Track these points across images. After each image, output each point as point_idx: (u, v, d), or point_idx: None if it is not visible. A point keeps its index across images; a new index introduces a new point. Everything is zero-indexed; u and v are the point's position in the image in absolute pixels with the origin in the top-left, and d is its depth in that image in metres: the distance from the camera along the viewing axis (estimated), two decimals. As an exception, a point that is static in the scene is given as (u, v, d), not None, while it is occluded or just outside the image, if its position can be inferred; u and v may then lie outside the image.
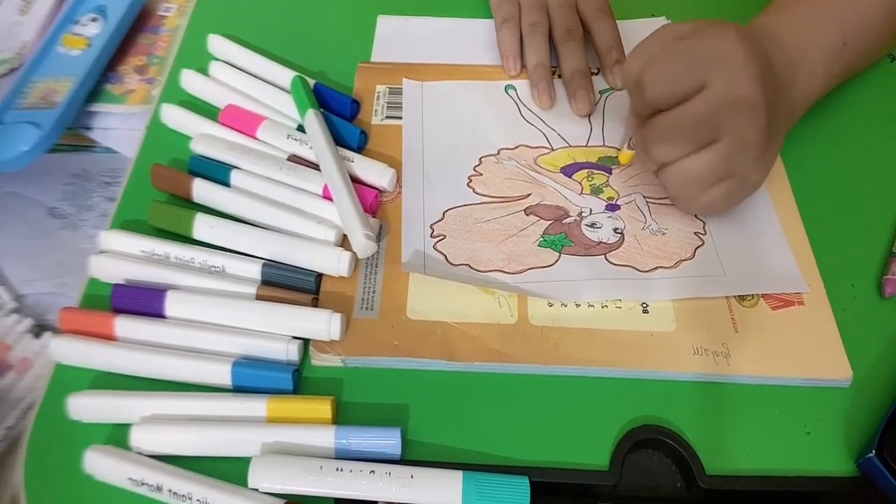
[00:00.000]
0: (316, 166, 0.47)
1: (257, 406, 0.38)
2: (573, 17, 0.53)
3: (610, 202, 0.46)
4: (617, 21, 0.54)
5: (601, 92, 0.52)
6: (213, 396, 0.38)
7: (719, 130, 0.39)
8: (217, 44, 0.54)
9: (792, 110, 0.44)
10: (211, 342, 0.40)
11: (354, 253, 0.42)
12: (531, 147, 0.49)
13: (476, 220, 0.45)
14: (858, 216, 0.46)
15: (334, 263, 0.42)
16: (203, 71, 0.53)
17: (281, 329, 0.40)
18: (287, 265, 0.43)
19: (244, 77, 0.52)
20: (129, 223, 0.46)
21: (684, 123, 0.39)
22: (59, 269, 0.55)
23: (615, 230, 0.45)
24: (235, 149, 0.48)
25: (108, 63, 0.60)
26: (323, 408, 0.37)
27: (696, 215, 0.46)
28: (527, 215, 0.46)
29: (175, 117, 0.50)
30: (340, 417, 0.38)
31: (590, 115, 0.51)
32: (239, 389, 0.39)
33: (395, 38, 0.56)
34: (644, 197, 0.47)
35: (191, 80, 0.52)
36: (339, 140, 0.48)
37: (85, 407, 0.38)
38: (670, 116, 0.40)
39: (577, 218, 0.46)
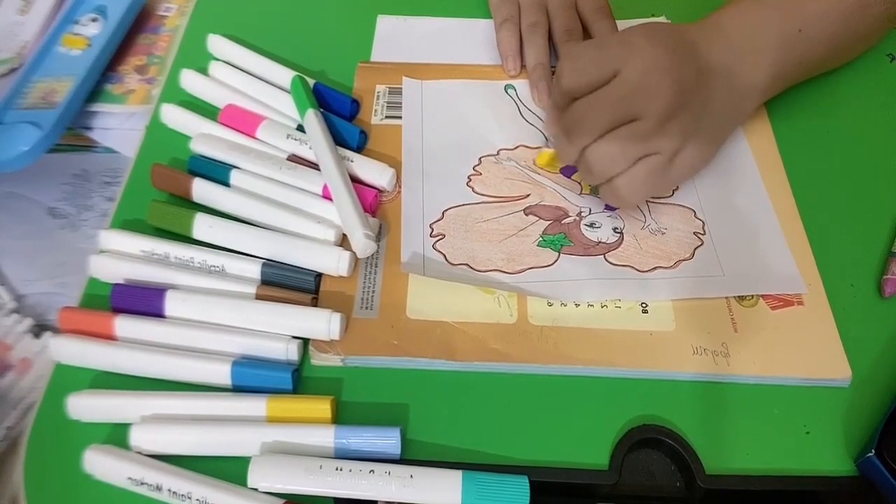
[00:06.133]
0: (316, 166, 0.47)
1: (257, 406, 0.38)
2: (573, 18, 0.53)
3: (609, 202, 0.46)
4: (617, 21, 0.54)
5: (601, 92, 0.52)
6: (212, 396, 0.38)
7: (633, 113, 0.40)
8: (217, 44, 0.54)
9: (742, 98, 0.45)
10: (210, 342, 0.40)
11: (354, 252, 0.43)
12: (531, 147, 0.49)
13: (475, 219, 0.45)
14: (858, 216, 0.46)
15: (334, 263, 0.42)
16: (203, 71, 0.53)
17: (280, 329, 0.40)
18: (287, 265, 0.43)
19: (244, 77, 0.52)
20: (129, 223, 0.46)
21: (598, 105, 0.41)
22: (59, 269, 0.55)
23: (615, 230, 0.45)
24: (235, 148, 0.48)
25: (108, 63, 0.60)
26: (322, 407, 0.37)
27: (695, 214, 0.46)
28: (526, 215, 0.46)
29: (175, 117, 0.50)
30: (340, 417, 0.38)
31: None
32: (238, 389, 0.39)
33: (395, 38, 0.56)
34: (644, 197, 0.47)
35: (191, 80, 0.52)
36: (338, 140, 0.48)
37: (84, 406, 0.38)
38: (586, 100, 0.41)
39: (577, 218, 0.46)
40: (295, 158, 0.48)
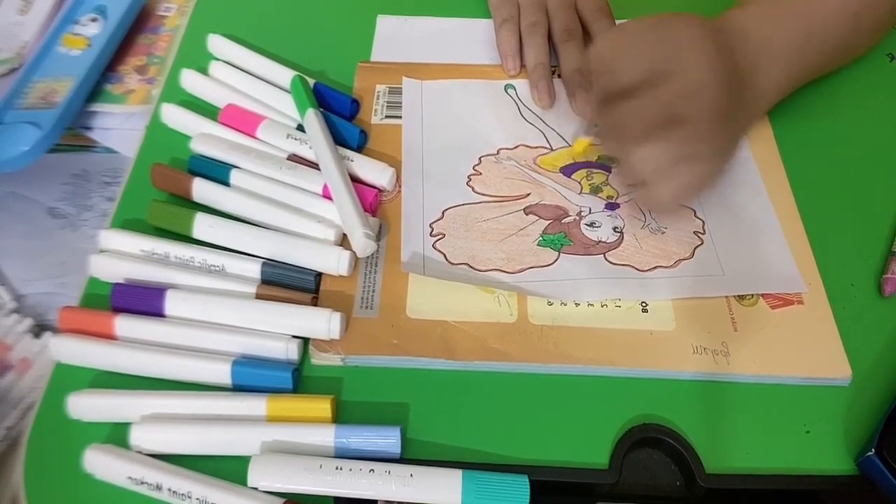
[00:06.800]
0: (316, 166, 0.47)
1: (257, 405, 0.38)
2: (572, 17, 0.53)
3: (609, 201, 0.46)
4: (616, 21, 0.54)
5: (601, 91, 0.52)
6: (212, 395, 0.38)
7: (681, 116, 0.39)
8: (217, 44, 0.54)
9: (756, 102, 0.45)
10: (211, 341, 0.40)
11: (354, 252, 0.43)
12: (531, 147, 0.49)
13: (475, 219, 0.45)
14: (858, 215, 0.46)
15: (334, 262, 0.42)
16: (203, 71, 0.53)
17: (281, 328, 0.40)
18: (287, 264, 0.43)
19: (244, 77, 0.52)
20: (129, 223, 0.46)
21: (650, 106, 0.40)
22: (59, 269, 0.55)
23: (615, 229, 0.45)
24: (235, 148, 0.48)
25: (108, 63, 0.60)
26: (323, 406, 0.37)
27: (695, 214, 0.46)
28: (526, 214, 0.46)
29: (175, 117, 0.50)
30: (340, 416, 0.38)
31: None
32: (239, 388, 0.39)
33: (395, 37, 0.56)
34: (643, 196, 0.47)
35: (191, 80, 0.52)
36: (338, 139, 0.48)
37: (85, 406, 0.38)
38: (640, 102, 0.40)
39: (577, 217, 0.46)
40: (295, 158, 0.48)
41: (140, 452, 0.37)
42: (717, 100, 0.39)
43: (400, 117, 0.51)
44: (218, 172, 0.46)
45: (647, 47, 0.40)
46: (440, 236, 0.45)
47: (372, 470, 0.35)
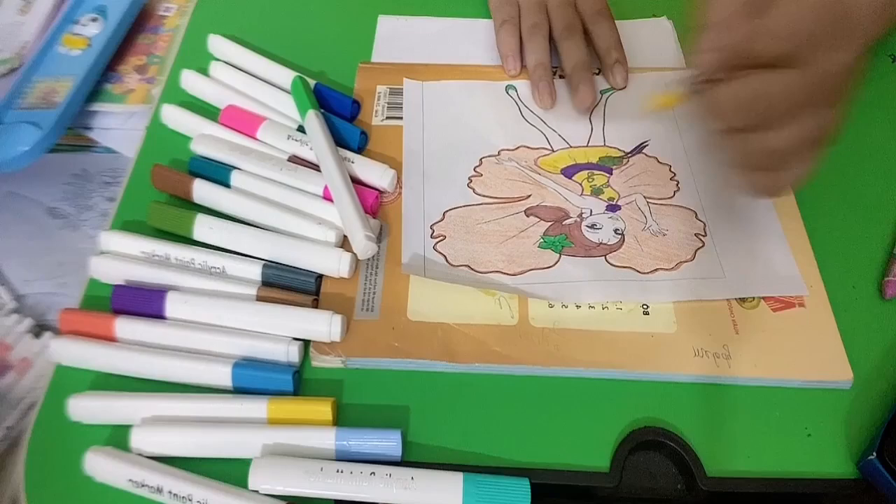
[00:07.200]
0: (316, 167, 0.47)
1: (258, 407, 0.37)
2: (573, 16, 0.53)
3: (610, 203, 0.46)
4: (617, 21, 0.53)
5: (602, 92, 0.52)
6: (213, 398, 0.38)
7: (825, 97, 0.36)
8: (217, 44, 0.54)
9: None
10: (211, 343, 0.40)
11: (355, 254, 0.42)
12: (532, 148, 0.49)
13: (476, 220, 0.45)
14: (859, 217, 0.46)
15: (335, 264, 0.42)
16: (203, 71, 0.53)
17: (281, 330, 0.40)
18: (287, 266, 0.43)
19: (244, 77, 0.52)
20: (130, 224, 0.46)
21: (809, 82, 0.35)
22: (59, 269, 0.55)
23: (616, 231, 0.45)
24: (236, 149, 0.47)
25: (108, 63, 0.60)
26: (323, 409, 0.37)
27: (696, 216, 0.45)
28: (527, 216, 0.46)
29: (175, 117, 0.50)
30: (341, 419, 0.38)
31: (591, 115, 0.51)
32: (239, 391, 0.39)
33: (396, 38, 0.56)
34: (645, 197, 0.46)
35: (191, 81, 0.52)
36: (339, 141, 0.48)
37: (85, 408, 0.38)
38: (797, 74, 0.35)
39: (578, 219, 0.46)
40: (295, 159, 0.48)
41: (141, 455, 0.37)
42: (849, 86, 0.36)
43: (401, 118, 0.51)
44: (218, 174, 0.46)
45: (806, 13, 0.34)
46: (441, 238, 0.44)
47: (373, 473, 0.35)
